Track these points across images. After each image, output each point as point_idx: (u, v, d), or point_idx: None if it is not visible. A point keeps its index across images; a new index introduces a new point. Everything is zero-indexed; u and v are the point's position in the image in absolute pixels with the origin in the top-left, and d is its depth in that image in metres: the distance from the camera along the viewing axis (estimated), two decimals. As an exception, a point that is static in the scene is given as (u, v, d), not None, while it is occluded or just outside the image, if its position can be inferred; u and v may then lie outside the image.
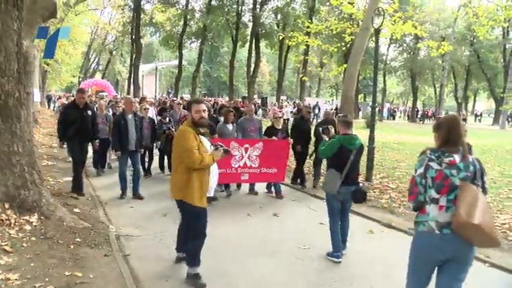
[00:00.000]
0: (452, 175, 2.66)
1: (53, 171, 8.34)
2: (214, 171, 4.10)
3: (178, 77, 36.20)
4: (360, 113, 34.52)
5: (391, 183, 8.66)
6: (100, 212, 5.96)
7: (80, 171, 6.95)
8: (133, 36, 34.35)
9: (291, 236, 5.40)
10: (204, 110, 3.78)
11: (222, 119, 7.91)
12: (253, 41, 33.81)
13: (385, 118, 41.09)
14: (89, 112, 6.92)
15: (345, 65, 14.59)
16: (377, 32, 9.47)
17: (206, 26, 34.04)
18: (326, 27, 17.17)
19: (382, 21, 9.12)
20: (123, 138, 6.92)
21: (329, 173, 4.72)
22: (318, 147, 5.13)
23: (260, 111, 28.68)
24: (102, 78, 43.69)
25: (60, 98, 27.08)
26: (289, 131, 8.25)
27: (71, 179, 6.99)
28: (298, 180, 8.44)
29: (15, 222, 4.41)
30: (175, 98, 23.97)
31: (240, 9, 34.39)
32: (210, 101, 23.26)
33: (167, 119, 8.94)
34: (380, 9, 9.36)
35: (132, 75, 33.90)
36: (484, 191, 2.72)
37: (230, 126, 7.46)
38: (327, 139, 4.88)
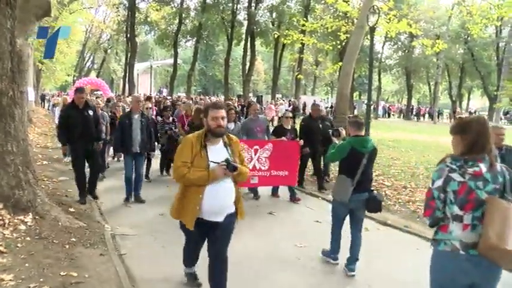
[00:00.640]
0: (478, 188, 2.26)
1: (47, 170, 8.27)
2: (211, 194, 3.14)
3: (174, 76, 36.22)
4: (355, 111, 34.61)
5: (387, 181, 8.68)
6: (95, 212, 5.92)
7: (94, 180, 6.58)
8: (128, 35, 34.37)
9: (287, 234, 5.39)
10: (223, 117, 3.15)
11: None
12: (249, 39, 33.74)
13: (380, 116, 41.31)
14: (91, 112, 6.31)
15: (340, 63, 14.66)
16: (372, 30, 9.52)
17: (201, 24, 33.97)
18: (321, 25, 17.25)
19: (377, 19, 9.18)
20: (126, 140, 6.42)
21: (339, 179, 4.29)
22: (327, 149, 4.66)
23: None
24: (97, 77, 43.34)
25: (53, 96, 26.91)
26: (298, 132, 7.76)
27: (66, 178, 6.88)
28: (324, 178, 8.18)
29: (10, 222, 4.37)
30: (169, 97, 23.92)
31: (235, 7, 34.28)
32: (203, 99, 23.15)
33: (170, 118, 8.68)
34: (375, 7, 9.40)
35: (127, 74, 33.94)
36: None
37: (231, 126, 6.97)
38: (337, 142, 4.46)
